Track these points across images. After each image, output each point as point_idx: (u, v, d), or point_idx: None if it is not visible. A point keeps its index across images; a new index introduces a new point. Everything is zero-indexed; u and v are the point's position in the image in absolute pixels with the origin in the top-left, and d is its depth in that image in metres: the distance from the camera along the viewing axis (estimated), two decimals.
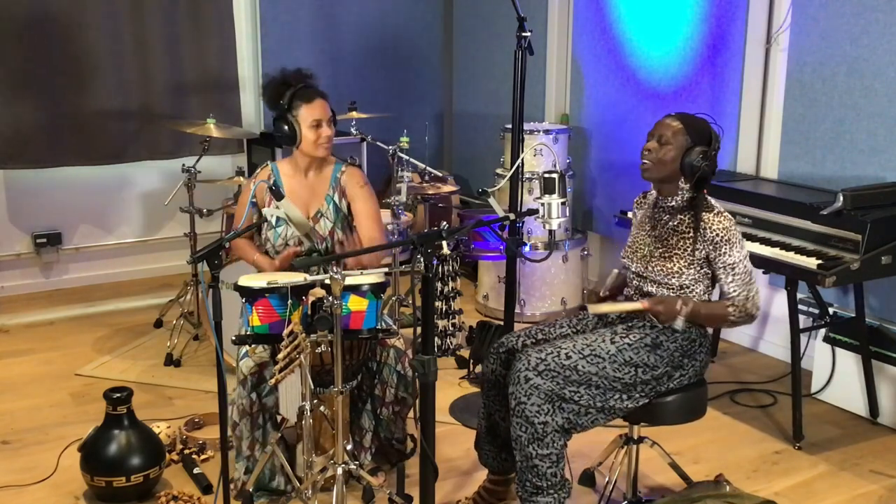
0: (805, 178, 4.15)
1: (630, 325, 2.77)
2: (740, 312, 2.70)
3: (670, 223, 2.78)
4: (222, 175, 5.34)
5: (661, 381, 2.73)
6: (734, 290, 2.69)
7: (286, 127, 3.12)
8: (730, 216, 2.73)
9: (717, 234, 2.67)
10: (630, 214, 3.04)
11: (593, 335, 2.72)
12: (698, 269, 2.72)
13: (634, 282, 2.86)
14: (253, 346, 2.92)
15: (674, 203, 2.79)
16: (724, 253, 2.68)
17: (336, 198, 3.22)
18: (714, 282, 2.78)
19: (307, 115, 3.09)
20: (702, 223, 2.69)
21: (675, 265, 2.72)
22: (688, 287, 2.72)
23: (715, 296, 2.81)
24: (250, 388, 2.92)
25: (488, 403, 2.95)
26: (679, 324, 2.66)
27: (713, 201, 2.78)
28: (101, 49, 5.18)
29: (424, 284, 2.34)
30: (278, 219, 3.12)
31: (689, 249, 2.71)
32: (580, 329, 2.93)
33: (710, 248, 2.69)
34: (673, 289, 2.73)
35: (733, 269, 2.68)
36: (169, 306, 4.75)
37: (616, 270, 2.96)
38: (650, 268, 2.77)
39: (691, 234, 2.71)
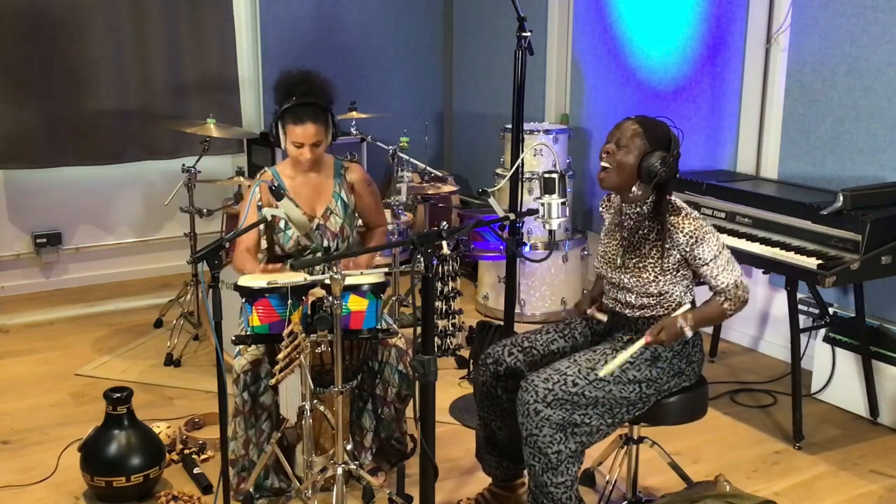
0: (805, 178, 4.15)
1: (626, 340, 2.74)
2: (734, 303, 2.67)
3: (639, 231, 2.73)
4: (222, 175, 5.34)
5: (664, 390, 2.73)
6: (723, 282, 2.65)
7: (274, 131, 3.15)
8: (696, 215, 2.68)
9: (689, 236, 2.62)
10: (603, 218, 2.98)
11: (595, 356, 2.69)
12: (674, 273, 2.68)
13: (611, 292, 2.81)
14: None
15: (639, 210, 2.74)
16: (701, 252, 2.63)
17: (344, 194, 3.24)
18: (696, 279, 2.74)
19: (292, 134, 3.10)
20: (670, 228, 2.64)
21: (649, 274, 2.68)
22: (667, 292, 2.69)
23: (698, 292, 2.80)
24: (243, 387, 2.92)
25: (483, 414, 2.94)
26: (688, 335, 2.65)
27: (678, 202, 2.72)
28: (101, 49, 5.18)
29: (424, 284, 2.33)
30: (287, 223, 3.12)
31: (662, 256, 2.67)
32: (568, 335, 2.91)
33: (684, 251, 2.64)
34: (652, 297, 2.70)
35: (715, 261, 2.64)
36: (169, 306, 4.75)
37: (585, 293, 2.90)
38: (625, 279, 2.73)
39: (660, 242, 2.67)
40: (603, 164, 2.71)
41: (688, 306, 2.69)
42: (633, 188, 2.70)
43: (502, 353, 2.87)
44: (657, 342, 2.64)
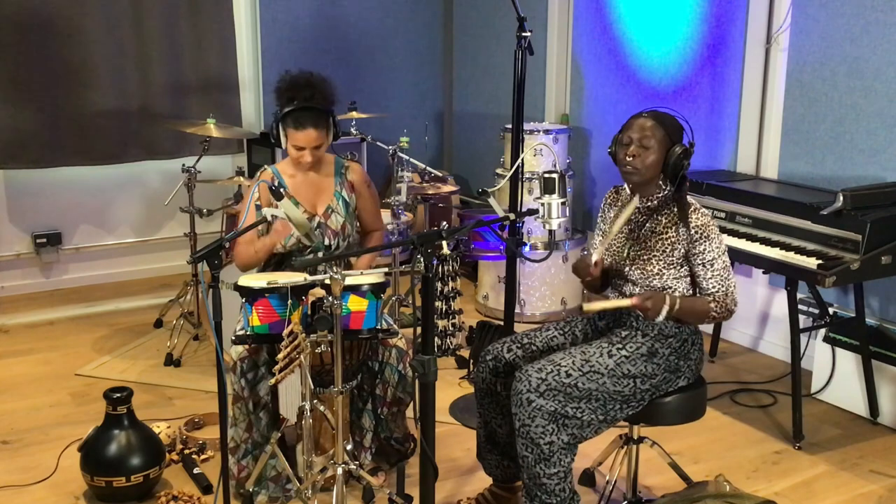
0: (805, 178, 4.15)
1: (624, 335, 2.74)
2: (720, 308, 2.66)
3: (647, 224, 2.75)
4: (222, 175, 5.35)
5: (660, 388, 2.72)
6: (713, 287, 2.66)
7: (275, 132, 3.16)
8: (706, 212, 2.70)
9: (696, 231, 2.64)
10: (601, 211, 2.97)
11: (591, 348, 2.69)
12: (678, 268, 2.69)
13: (616, 285, 2.82)
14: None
15: (650, 204, 2.75)
16: (703, 250, 2.64)
17: (345, 193, 3.25)
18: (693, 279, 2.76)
19: (293, 138, 3.12)
20: (678, 222, 2.66)
21: (654, 267, 2.69)
22: (669, 287, 2.69)
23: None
24: (240, 374, 2.92)
25: (484, 412, 2.95)
26: (661, 317, 2.62)
27: (689, 197, 2.74)
28: (101, 49, 5.18)
29: (424, 284, 2.34)
30: (276, 218, 3.11)
31: (667, 250, 2.68)
32: (568, 332, 2.91)
33: (688, 245, 2.66)
34: (655, 291, 2.71)
35: (712, 265, 2.65)
36: (169, 306, 4.75)
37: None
38: (630, 270, 2.74)
39: (670, 235, 2.68)
40: (627, 168, 2.70)
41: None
42: (659, 182, 2.71)
43: (501, 349, 2.88)
44: (642, 308, 2.62)
